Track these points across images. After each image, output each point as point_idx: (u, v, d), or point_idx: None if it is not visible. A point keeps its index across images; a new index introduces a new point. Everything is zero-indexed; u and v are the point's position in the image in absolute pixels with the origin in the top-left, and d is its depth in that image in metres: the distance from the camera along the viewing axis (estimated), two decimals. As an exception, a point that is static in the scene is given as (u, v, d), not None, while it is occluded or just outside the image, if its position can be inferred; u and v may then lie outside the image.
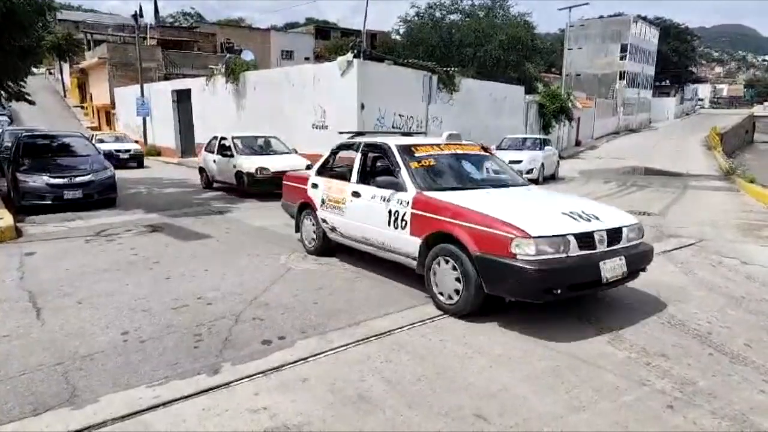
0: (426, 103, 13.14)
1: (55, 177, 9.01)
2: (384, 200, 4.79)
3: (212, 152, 12.04)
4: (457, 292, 4.05)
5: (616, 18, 57.01)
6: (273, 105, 15.59)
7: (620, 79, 53.62)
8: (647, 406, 2.86)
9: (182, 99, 20.92)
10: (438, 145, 5.27)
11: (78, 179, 9.18)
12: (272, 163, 10.66)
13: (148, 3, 36.45)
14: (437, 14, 32.04)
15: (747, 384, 3.12)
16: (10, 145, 10.94)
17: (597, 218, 4.07)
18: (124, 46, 30.91)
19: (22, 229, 7.52)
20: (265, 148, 12.25)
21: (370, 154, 5.69)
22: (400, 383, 3.11)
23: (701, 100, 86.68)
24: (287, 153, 11.95)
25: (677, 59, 71.21)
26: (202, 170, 12.76)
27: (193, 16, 70.01)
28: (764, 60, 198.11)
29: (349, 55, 13.43)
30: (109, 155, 15.94)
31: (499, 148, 14.25)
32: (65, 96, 41.72)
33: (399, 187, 4.69)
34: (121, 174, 13.33)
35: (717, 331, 3.94)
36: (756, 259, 6.12)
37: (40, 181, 8.92)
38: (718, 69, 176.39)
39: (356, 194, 5.23)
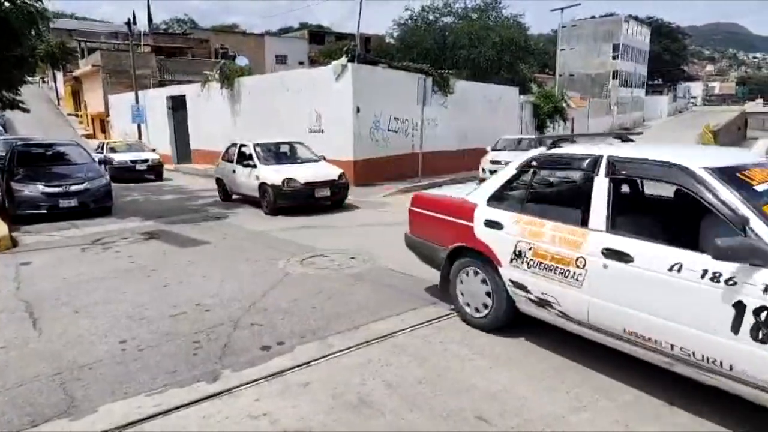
0: (421, 106, 13.16)
1: (50, 186, 8.97)
2: (719, 281, 2.56)
3: (231, 161, 10.90)
4: None
5: (608, 18, 57.46)
6: (269, 110, 15.57)
7: (613, 78, 53.97)
8: (648, 403, 2.87)
9: (177, 105, 20.87)
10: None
11: (73, 188, 9.14)
12: (300, 174, 9.52)
13: (141, 10, 36.52)
14: (431, 17, 32.23)
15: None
16: (4, 154, 10.87)
17: None
18: (117, 54, 30.86)
19: (18, 239, 7.48)
20: (290, 155, 11.03)
21: (621, 178, 3.35)
22: (401, 386, 3.10)
23: (694, 97, 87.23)
24: (315, 161, 10.66)
25: (669, 58, 71.91)
26: (219, 181, 11.62)
27: (186, 22, 69.91)
28: (755, 58, 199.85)
29: (344, 59, 13.43)
30: (124, 167, 15.26)
31: (494, 149, 14.29)
32: (59, 104, 41.58)
33: (760, 256, 2.45)
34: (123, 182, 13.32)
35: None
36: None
37: (35, 190, 8.87)
38: (710, 67, 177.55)
39: (617, 255, 2.98)
